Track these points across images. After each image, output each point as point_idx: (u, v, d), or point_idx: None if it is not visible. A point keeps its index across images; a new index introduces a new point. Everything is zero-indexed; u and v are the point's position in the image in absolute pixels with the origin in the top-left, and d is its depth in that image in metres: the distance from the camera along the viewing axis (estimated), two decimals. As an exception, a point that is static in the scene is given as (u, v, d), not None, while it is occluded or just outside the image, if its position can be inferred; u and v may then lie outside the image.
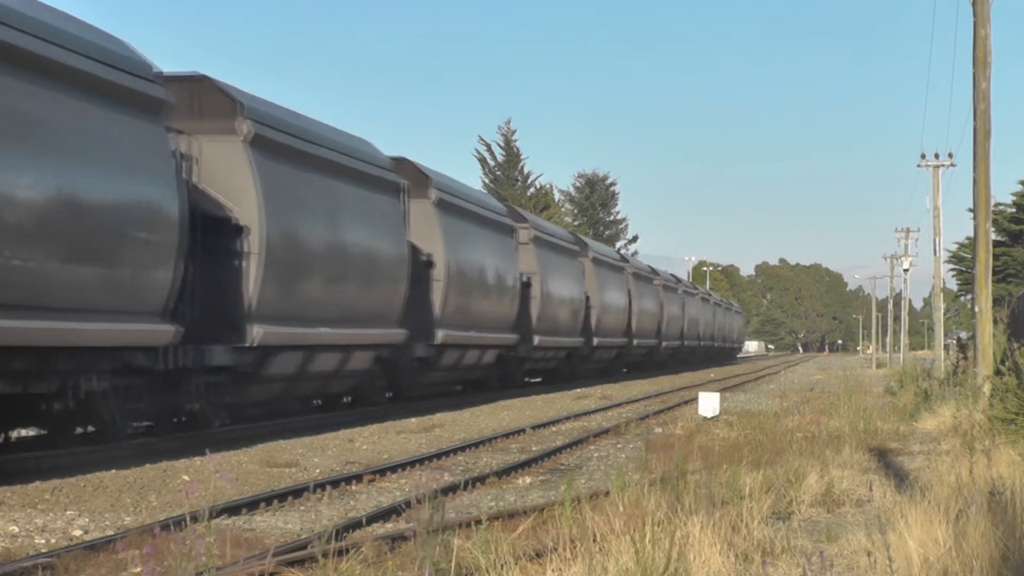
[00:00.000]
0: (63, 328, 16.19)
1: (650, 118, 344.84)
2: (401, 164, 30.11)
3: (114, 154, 17.39)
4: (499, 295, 35.56)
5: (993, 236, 29.88)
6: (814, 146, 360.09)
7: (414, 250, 29.48)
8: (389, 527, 11.92)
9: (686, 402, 33.18)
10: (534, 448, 20.73)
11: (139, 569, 9.36)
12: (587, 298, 47.20)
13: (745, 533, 9.79)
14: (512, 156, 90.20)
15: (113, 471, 16.40)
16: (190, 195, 19.80)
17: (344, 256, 24.67)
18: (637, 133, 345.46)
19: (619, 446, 21.26)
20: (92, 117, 17.03)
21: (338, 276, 24.45)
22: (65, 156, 16.25)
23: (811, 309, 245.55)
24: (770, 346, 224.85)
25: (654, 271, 66.77)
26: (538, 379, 46.22)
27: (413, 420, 26.32)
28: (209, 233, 20.52)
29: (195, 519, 7.70)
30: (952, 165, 54.11)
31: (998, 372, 21.82)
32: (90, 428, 18.03)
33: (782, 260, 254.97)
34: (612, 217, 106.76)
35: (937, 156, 54.03)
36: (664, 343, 65.22)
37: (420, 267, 29.79)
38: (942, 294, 57.33)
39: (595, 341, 48.27)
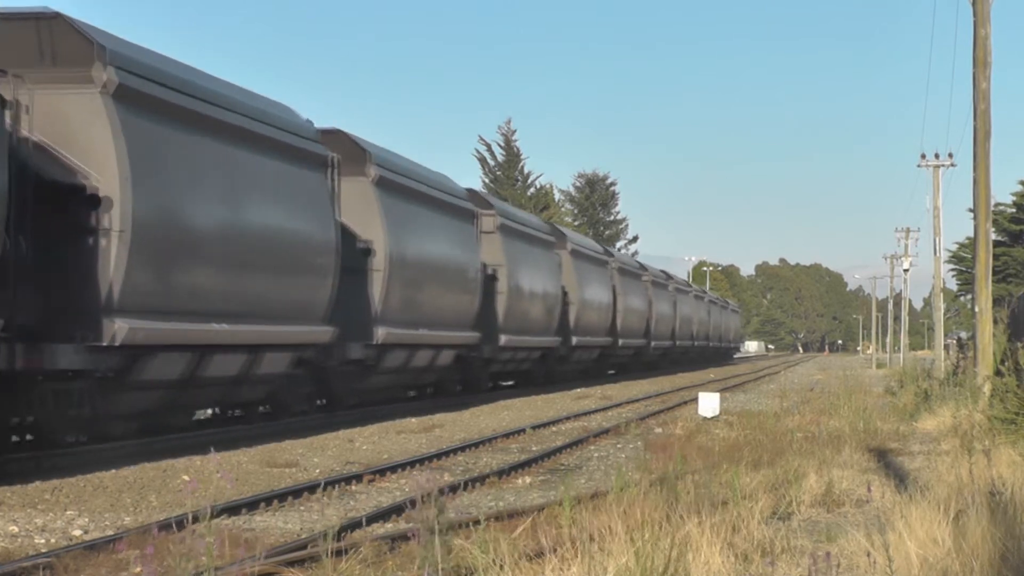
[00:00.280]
0: None
1: (650, 118, 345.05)
2: (333, 136, 26.53)
3: None
4: (457, 289, 31.81)
5: (993, 236, 29.88)
6: (814, 146, 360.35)
7: (348, 235, 25.82)
8: (389, 527, 11.93)
9: (686, 402, 33.18)
10: (534, 448, 20.73)
11: (139, 569, 9.37)
12: (565, 294, 43.71)
13: (745, 533, 9.79)
14: (512, 156, 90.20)
15: (113, 471, 16.40)
16: (22, 152, 16.50)
17: (247, 239, 20.82)
18: (637, 133, 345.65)
19: (619, 446, 21.27)
20: None
21: (239, 263, 20.55)
22: None
23: (811, 309, 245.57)
24: (770, 346, 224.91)
25: (642, 266, 64.25)
26: (510, 382, 42.72)
27: (413, 420, 26.32)
28: (53, 203, 16.81)
29: (196, 519, 7.70)
30: (952, 165, 54.18)
31: (998, 372, 21.82)
32: None
33: (782, 260, 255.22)
34: (612, 217, 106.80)
35: (937, 156, 54.06)
36: (653, 343, 61.86)
37: (355, 255, 26.07)
38: (942, 294, 57.33)
39: (574, 341, 44.80)
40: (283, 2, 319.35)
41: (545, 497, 14.02)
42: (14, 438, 17.56)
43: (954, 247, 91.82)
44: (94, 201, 17.11)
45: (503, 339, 36.00)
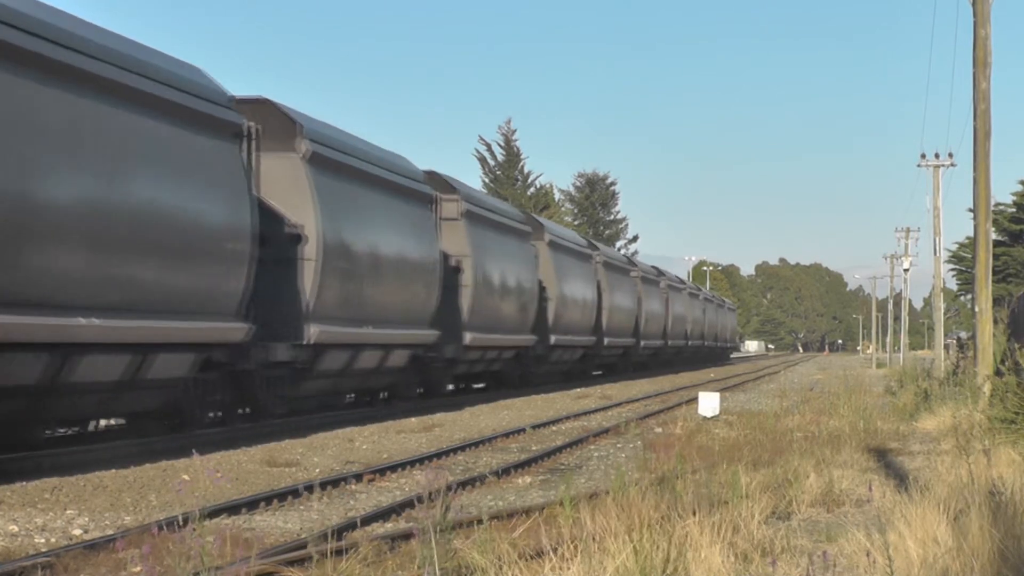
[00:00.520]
0: None
1: (650, 118, 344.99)
2: (258, 105, 23.23)
3: None
4: (410, 281, 28.32)
5: (993, 236, 29.88)
6: (814, 146, 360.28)
7: (273, 219, 22.71)
8: (389, 527, 11.93)
9: (686, 402, 33.19)
10: (534, 448, 20.73)
11: (139, 568, 9.37)
12: (542, 288, 40.62)
13: (745, 533, 9.79)
14: (512, 156, 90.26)
15: (113, 470, 16.41)
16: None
17: (124, 216, 17.46)
18: (637, 133, 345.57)
19: (619, 446, 21.26)
20: None
21: (113, 245, 17.24)
22: None
23: (811, 309, 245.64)
24: (770, 346, 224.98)
25: (631, 261, 61.78)
26: (480, 384, 39.97)
27: (413, 420, 26.32)
28: None
29: (186, 521, 7.70)
30: (952, 165, 54.16)
31: (998, 372, 21.84)
32: None
33: (782, 260, 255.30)
34: (612, 217, 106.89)
35: (937, 156, 54.05)
36: (643, 343, 58.51)
37: (282, 242, 22.91)
38: (942, 294, 57.34)
39: (553, 340, 41.58)
40: (283, 2, 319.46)
41: (545, 497, 14.02)
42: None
43: (954, 247, 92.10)
44: None
45: (468, 337, 32.65)
